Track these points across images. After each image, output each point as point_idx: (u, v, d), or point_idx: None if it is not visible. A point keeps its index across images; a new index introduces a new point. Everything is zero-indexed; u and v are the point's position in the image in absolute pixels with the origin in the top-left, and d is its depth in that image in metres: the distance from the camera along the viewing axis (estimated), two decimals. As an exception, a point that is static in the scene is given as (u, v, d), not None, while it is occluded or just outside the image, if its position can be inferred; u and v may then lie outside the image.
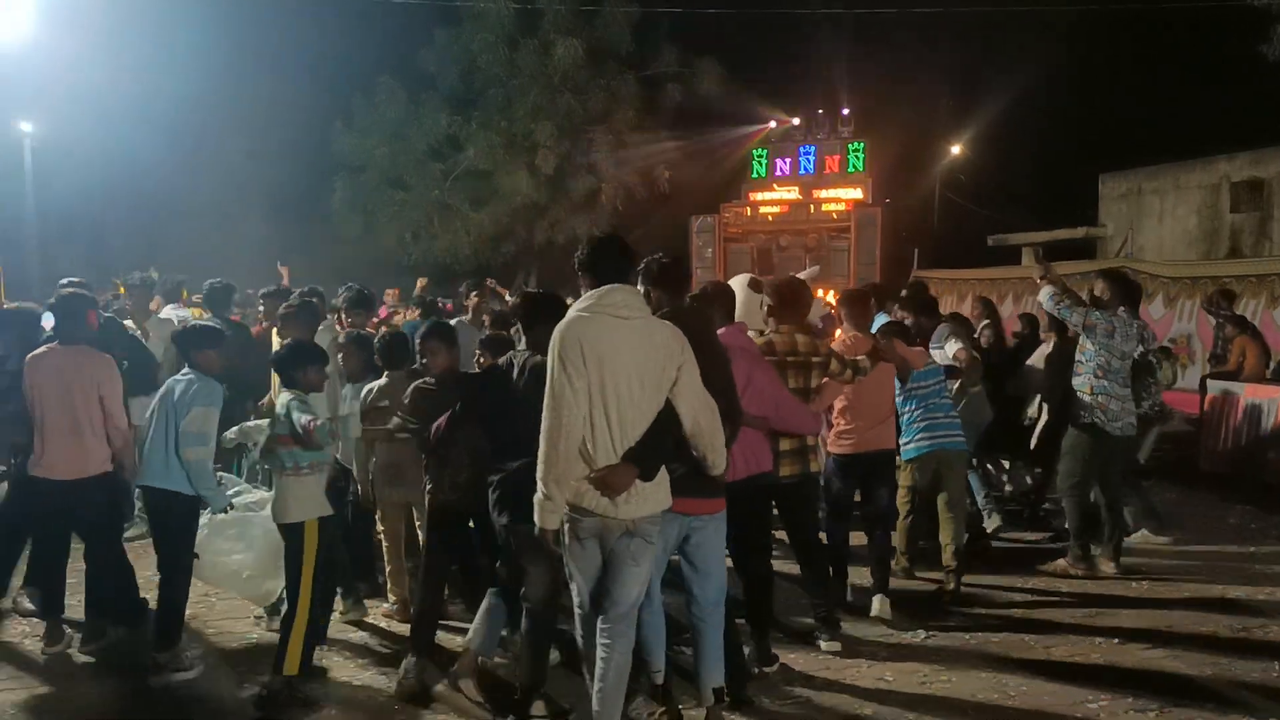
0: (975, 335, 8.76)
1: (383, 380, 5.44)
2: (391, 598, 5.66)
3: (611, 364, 3.65)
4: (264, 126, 24.61)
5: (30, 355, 5.28)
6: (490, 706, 4.44)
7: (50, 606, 5.30)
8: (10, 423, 5.37)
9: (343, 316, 7.25)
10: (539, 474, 3.67)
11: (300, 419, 4.45)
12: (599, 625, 3.82)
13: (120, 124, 22.68)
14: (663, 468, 3.80)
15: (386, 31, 22.62)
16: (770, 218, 18.42)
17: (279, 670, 4.49)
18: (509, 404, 4.28)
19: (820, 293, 14.78)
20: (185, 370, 4.95)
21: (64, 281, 7.05)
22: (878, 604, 5.63)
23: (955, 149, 28.59)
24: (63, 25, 19.04)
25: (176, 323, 7.85)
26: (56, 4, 18.33)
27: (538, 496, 3.67)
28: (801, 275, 9.42)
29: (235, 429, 5.51)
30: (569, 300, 9.06)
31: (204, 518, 5.01)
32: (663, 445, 3.78)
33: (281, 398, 4.64)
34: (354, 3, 22.03)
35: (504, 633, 4.76)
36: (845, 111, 19.12)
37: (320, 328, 6.59)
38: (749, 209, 18.64)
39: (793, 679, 4.77)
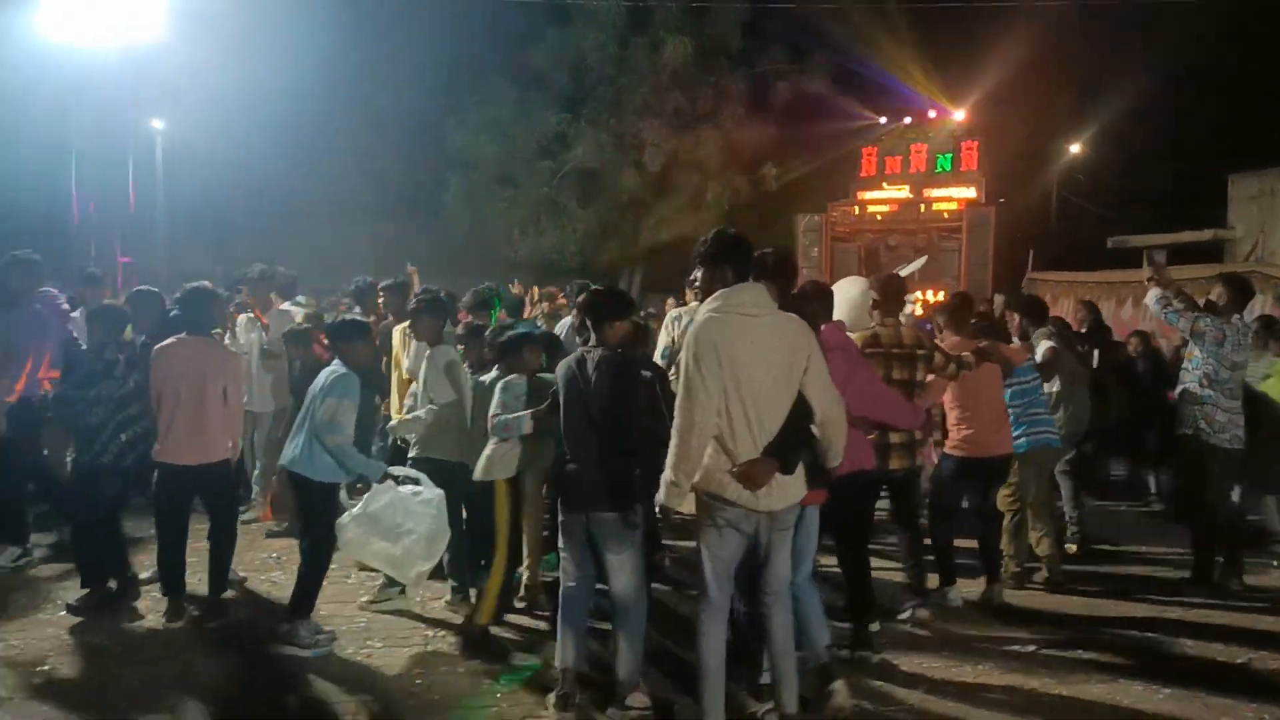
0: (1123, 341, 8.63)
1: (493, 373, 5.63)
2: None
3: (745, 362, 3.81)
4: (380, 125, 25.28)
5: (158, 346, 5.56)
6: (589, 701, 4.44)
7: (172, 585, 5.56)
8: (96, 405, 5.63)
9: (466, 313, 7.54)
10: (669, 464, 3.86)
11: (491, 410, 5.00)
12: (762, 601, 4.04)
13: (244, 123, 23.54)
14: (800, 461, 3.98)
15: (499, 31, 23.00)
16: (879, 217, 18.11)
17: (474, 618, 5.10)
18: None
19: (929, 294, 14.54)
20: (335, 362, 5.24)
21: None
22: (996, 591, 5.80)
23: (1074, 147, 27.63)
24: (192, 27, 19.86)
25: (296, 316, 8.19)
26: (187, 7, 19.14)
27: (667, 478, 3.86)
28: (906, 270, 9.36)
29: (394, 423, 5.99)
30: (670, 300, 9.10)
31: (357, 502, 5.27)
32: (799, 438, 3.95)
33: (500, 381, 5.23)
34: (468, 2, 22.43)
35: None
36: (959, 116, 18.71)
37: None
38: (857, 208, 18.36)
39: (896, 679, 4.69)
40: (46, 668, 4.93)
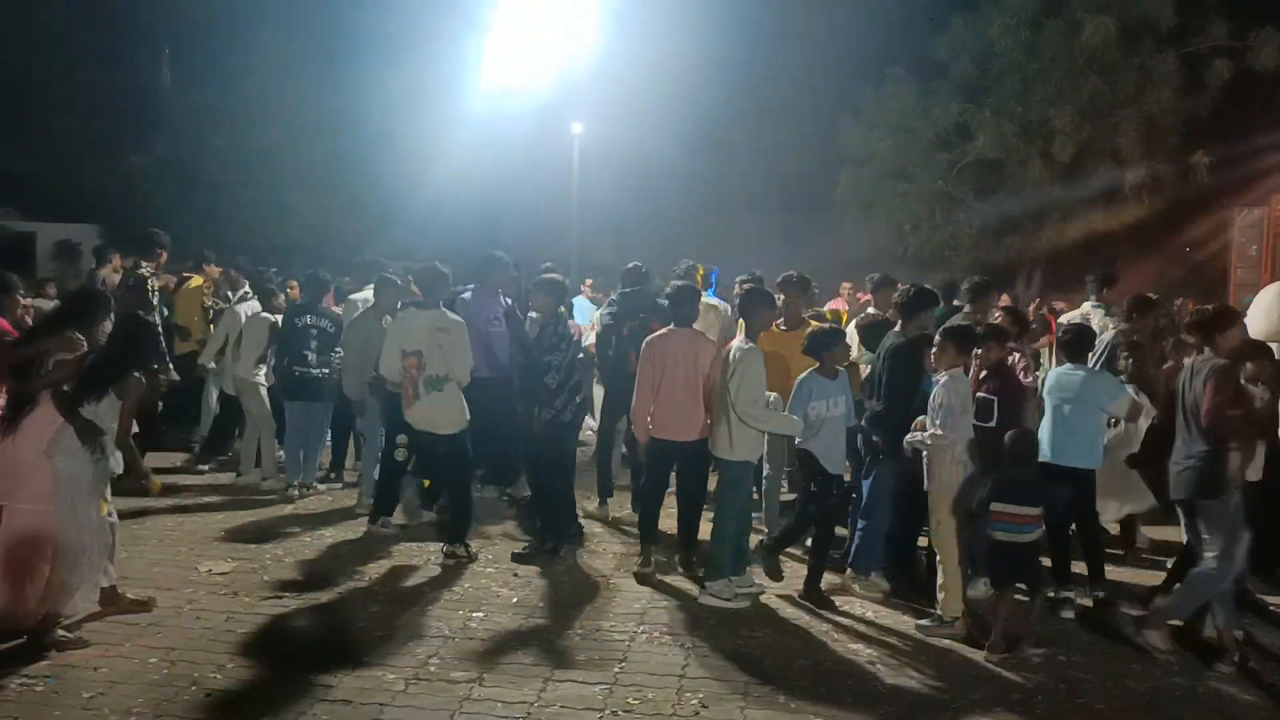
0: None
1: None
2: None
3: None
4: (774, 124, 25.86)
5: (654, 336, 6.60)
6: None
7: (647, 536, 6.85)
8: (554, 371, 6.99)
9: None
10: None
11: None
12: None
13: (649, 122, 25.01)
14: None
15: (899, 23, 22.60)
16: (1339, 210, 15.67)
17: None
18: None
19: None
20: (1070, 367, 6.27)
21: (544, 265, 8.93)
22: None
23: None
24: (610, 35, 21.40)
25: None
26: (607, 17, 20.64)
27: None
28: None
29: None
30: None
31: None
32: None
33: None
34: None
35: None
36: None
37: None
38: (1310, 200, 16.01)
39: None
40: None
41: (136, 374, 5.43)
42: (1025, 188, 20.06)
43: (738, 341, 6.29)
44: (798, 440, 6.33)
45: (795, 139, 24.96)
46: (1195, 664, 5.45)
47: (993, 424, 6.12)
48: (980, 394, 6.24)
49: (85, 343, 5.49)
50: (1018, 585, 5.58)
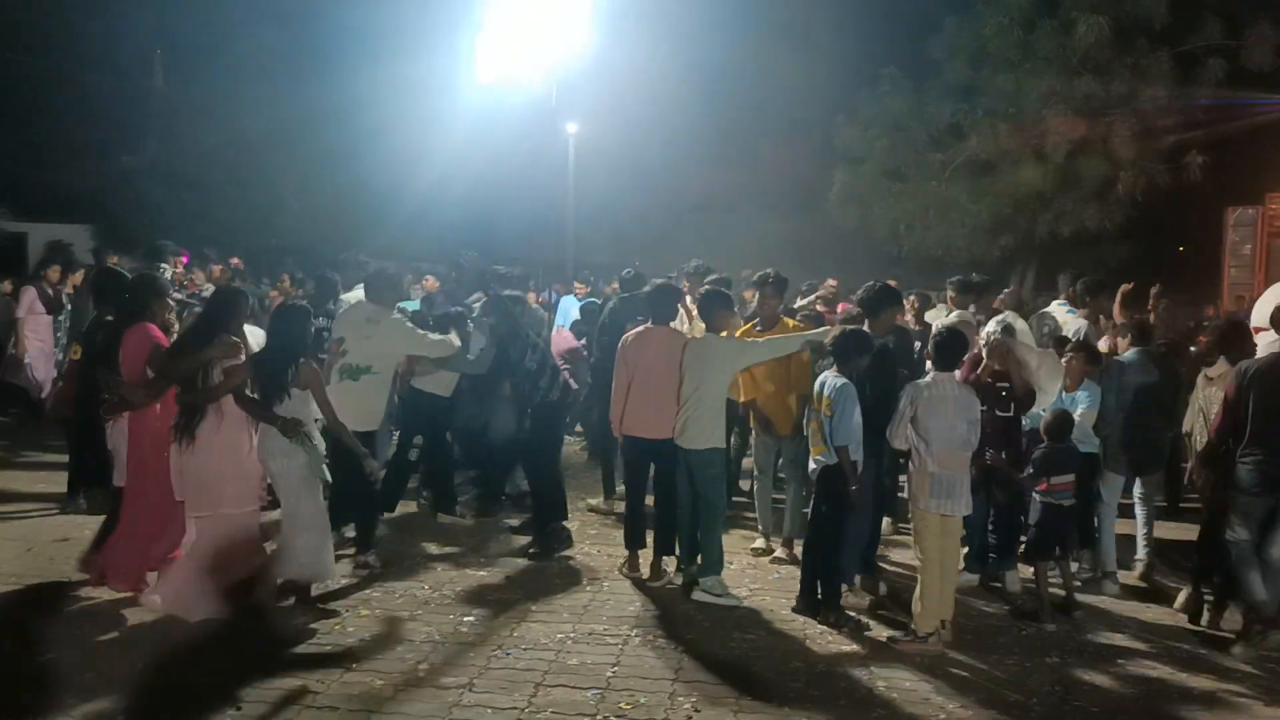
0: None
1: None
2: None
3: None
4: (769, 123, 25.88)
5: (628, 335, 6.65)
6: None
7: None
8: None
9: None
10: None
11: None
12: None
13: (644, 123, 24.98)
14: None
15: (893, 23, 22.60)
16: (1332, 209, 15.69)
17: None
18: None
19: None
20: None
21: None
22: None
23: None
24: (605, 36, 21.32)
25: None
26: (602, 17, 20.56)
27: None
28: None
29: None
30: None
31: None
32: None
33: None
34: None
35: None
36: None
37: None
38: (1303, 199, 16.03)
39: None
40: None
41: (306, 361, 5.61)
42: (1018, 187, 20.02)
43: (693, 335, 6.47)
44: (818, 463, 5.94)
45: (790, 139, 24.97)
46: (1190, 664, 5.43)
47: (1010, 414, 6.30)
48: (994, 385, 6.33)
49: (242, 345, 5.70)
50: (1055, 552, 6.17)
